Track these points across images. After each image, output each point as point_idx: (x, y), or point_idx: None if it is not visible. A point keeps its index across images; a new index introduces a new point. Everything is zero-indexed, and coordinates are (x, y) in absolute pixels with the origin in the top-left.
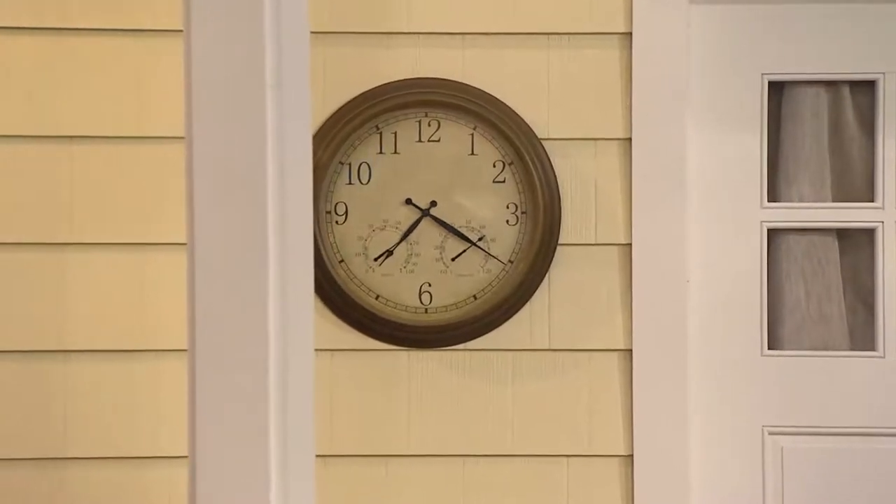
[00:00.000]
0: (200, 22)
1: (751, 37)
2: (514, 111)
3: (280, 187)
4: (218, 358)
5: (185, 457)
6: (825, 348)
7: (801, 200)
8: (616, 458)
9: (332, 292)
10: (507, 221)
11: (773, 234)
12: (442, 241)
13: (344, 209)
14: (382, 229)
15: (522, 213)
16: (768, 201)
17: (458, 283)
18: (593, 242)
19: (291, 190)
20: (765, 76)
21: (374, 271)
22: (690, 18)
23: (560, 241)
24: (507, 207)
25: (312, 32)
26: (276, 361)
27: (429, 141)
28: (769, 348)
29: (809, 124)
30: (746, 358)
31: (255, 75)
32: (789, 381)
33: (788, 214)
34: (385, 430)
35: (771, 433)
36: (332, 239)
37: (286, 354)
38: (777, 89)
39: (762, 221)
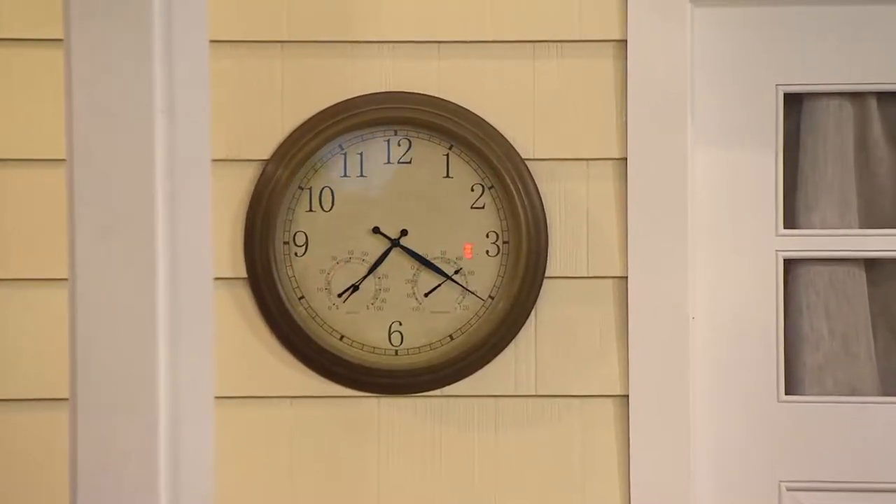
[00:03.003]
0: (80, 35)
1: (764, 43)
2: (494, 128)
3: (171, 222)
4: (101, 408)
5: None
6: (851, 393)
7: (822, 227)
8: None
9: (291, 332)
10: (487, 252)
11: (790, 264)
12: (414, 275)
13: (304, 239)
14: (347, 261)
15: (504, 242)
16: (785, 228)
17: (433, 322)
18: (585, 275)
19: (186, 226)
20: (780, 87)
21: (338, 308)
22: (693, 23)
23: (547, 274)
24: (487, 237)
25: (269, 41)
26: (167, 413)
27: (398, 162)
28: (787, 393)
29: (832, 141)
30: (761, 404)
31: (141, 99)
32: (810, 429)
33: (808, 242)
34: (352, 487)
35: (789, 489)
36: (290, 273)
37: (179, 404)
38: (795, 102)
39: (778, 250)
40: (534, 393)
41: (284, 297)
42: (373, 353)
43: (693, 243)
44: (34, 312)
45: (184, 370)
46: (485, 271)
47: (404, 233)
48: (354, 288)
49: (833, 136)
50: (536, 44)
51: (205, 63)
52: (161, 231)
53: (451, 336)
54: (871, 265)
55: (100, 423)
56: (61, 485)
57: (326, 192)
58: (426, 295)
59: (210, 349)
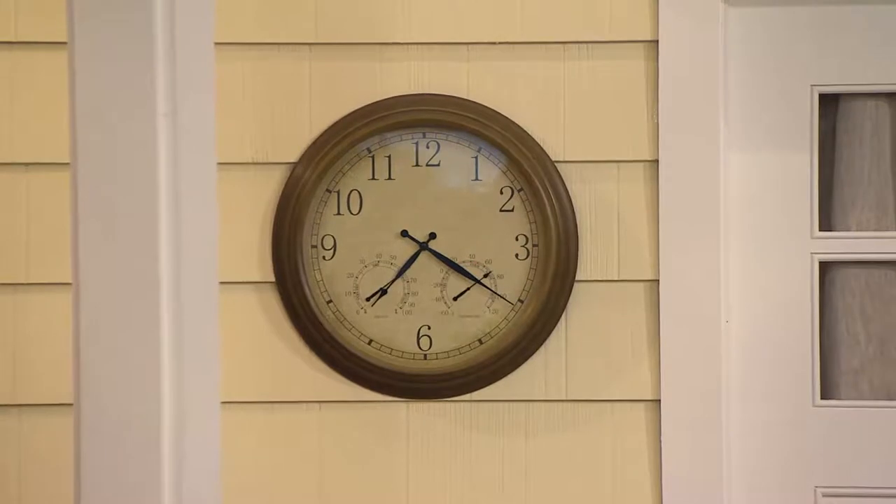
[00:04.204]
0: (84, 38)
1: (798, 43)
2: (524, 130)
3: (175, 224)
4: (105, 413)
5: None
6: (888, 397)
7: (859, 229)
8: None
9: (320, 337)
10: (517, 255)
11: (826, 267)
12: (442, 279)
13: (332, 243)
14: (375, 265)
15: (534, 245)
16: (820, 230)
17: (462, 326)
18: (615, 279)
19: (189, 228)
20: (815, 88)
21: (366, 312)
22: (727, 23)
23: (577, 278)
24: (517, 240)
25: (297, 44)
26: (171, 417)
27: (427, 165)
28: (822, 398)
29: (869, 143)
30: (796, 409)
31: (143, 102)
32: (846, 435)
33: (844, 245)
34: (380, 492)
35: (825, 495)
36: (318, 277)
37: (183, 409)
38: (831, 103)
39: (813, 253)
40: (564, 397)
41: (312, 301)
42: (401, 357)
43: (726, 246)
44: (41, 317)
45: (188, 374)
46: (514, 275)
47: (433, 236)
48: (383, 292)
49: (870, 137)
50: (566, 45)
51: (209, 66)
52: (164, 235)
53: (480, 340)
54: None
55: (103, 428)
56: (67, 489)
57: (354, 196)
58: (455, 299)
59: (216, 353)
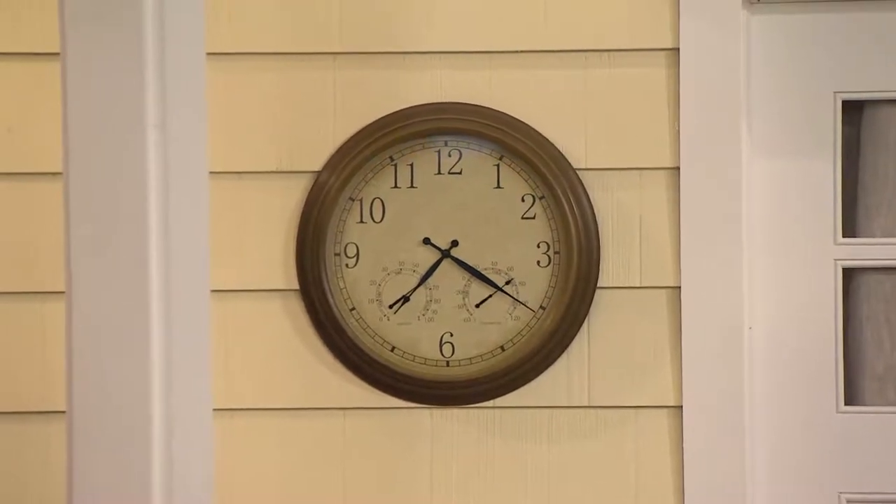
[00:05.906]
0: (75, 49)
1: (821, 50)
2: (545, 138)
3: (164, 234)
4: (97, 420)
5: None
6: None
7: (883, 235)
8: None
9: (343, 344)
10: (538, 263)
11: (849, 273)
12: (465, 286)
13: (355, 251)
14: (398, 273)
15: (555, 252)
16: (844, 237)
17: (484, 333)
18: (637, 285)
19: (180, 237)
20: (838, 95)
21: (388, 320)
22: (749, 30)
23: (599, 285)
24: (538, 247)
25: (321, 53)
26: (160, 425)
27: (449, 173)
28: (846, 404)
29: (894, 149)
30: (820, 415)
31: (133, 114)
32: (870, 440)
33: (868, 251)
34: (404, 498)
35: (850, 501)
36: (341, 284)
37: (173, 416)
38: (855, 110)
39: (836, 260)
40: (587, 404)
41: (336, 309)
42: (424, 364)
43: (749, 252)
44: (33, 325)
45: (178, 383)
46: (536, 282)
47: (455, 244)
48: (405, 299)
49: (894, 143)
50: (588, 53)
51: (200, 77)
52: (154, 245)
53: (502, 347)
54: None
55: (95, 436)
56: (59, 499)
57: (377, 204)
58: (477, 306)
59: (206, 361)
